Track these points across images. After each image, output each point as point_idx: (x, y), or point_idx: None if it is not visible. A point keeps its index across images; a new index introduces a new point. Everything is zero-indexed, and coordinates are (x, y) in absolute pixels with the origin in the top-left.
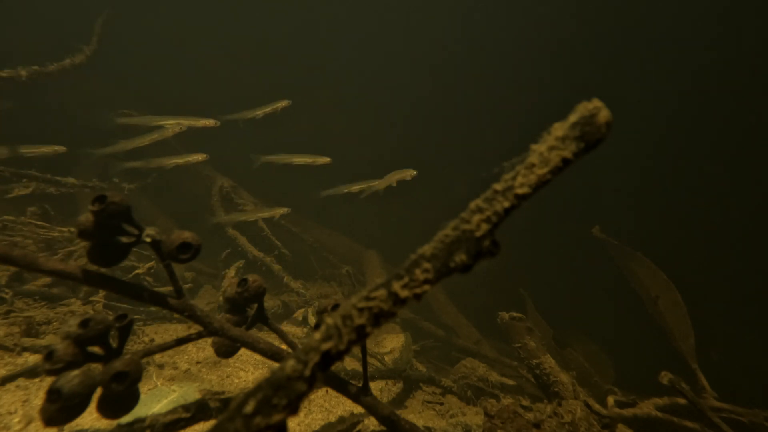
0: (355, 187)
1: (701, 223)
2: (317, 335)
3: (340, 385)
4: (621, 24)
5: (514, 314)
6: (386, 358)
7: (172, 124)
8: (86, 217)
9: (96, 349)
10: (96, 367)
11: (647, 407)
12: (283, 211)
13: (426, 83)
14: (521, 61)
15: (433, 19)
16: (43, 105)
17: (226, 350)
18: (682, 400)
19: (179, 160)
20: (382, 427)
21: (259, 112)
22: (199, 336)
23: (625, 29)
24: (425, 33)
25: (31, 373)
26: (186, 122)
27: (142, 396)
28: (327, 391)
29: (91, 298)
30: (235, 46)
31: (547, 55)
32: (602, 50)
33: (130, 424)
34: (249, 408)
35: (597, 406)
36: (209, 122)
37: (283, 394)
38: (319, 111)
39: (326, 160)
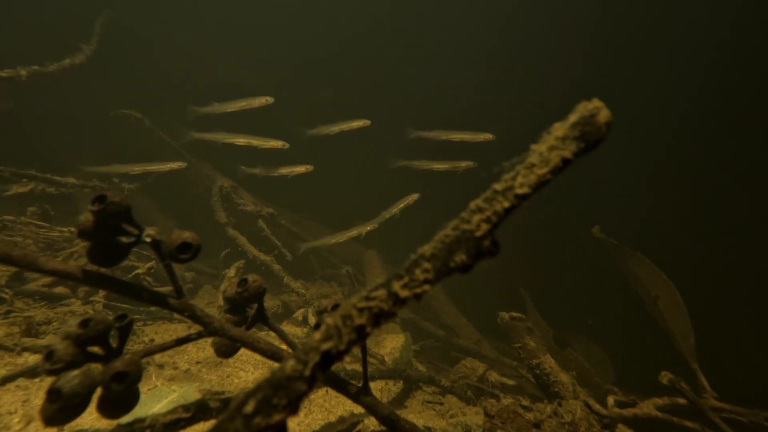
0: (394, 209)
1: (702, 223)
2: (317, 335)
3: (340, 385)
4: (628, 21)
5: (514, 314)
6: (386, 358)
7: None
8: (86, 217)
9: (96, 349)
10: (96, 367)
11: (647, 407)
12: (371, 227)
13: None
14: (525, 66)
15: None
16: (43, 105)
17: (226, 350)
18: (682, 400)
19: (285, 171)
20: (382, 427)
21: (335, 129)
22: (199, 336)
23: (633, 26)
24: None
25: (31, 373)
26: (256, 142)
27: (142, 396)
28: (327, 391)
29: (91, 298)
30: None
31: (547, 53)
32: (606, 49)
33: (130, 424)
34: (249, 408)
35: (597, 406)
36: (278, 144)
37: (283, 394)
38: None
39: (469, 164)
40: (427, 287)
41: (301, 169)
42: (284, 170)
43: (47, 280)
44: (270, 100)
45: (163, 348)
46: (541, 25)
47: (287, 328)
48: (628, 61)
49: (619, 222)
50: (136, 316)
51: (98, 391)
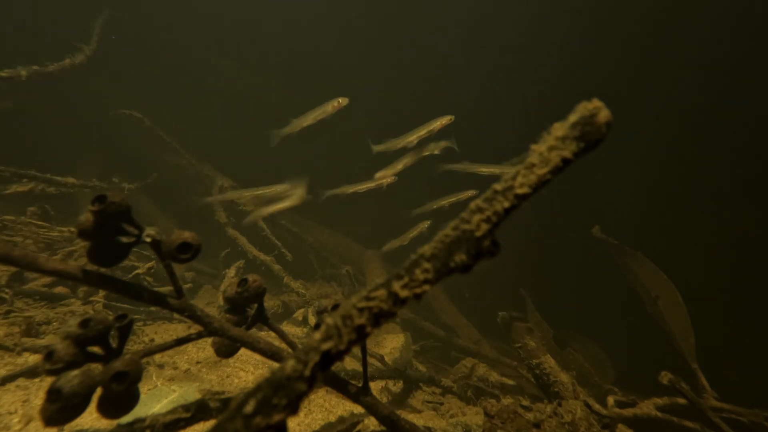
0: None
1: (703, 223)
2: (317, 335)
3: (340, 385)
4: (630, 20)
5: (514, 314)
6: (386, 358)
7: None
8: (86, 217)
9: (96, 349)
10: (96, 367)
11: (647, 407)
12: (426, 224)
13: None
14: (526, 67)
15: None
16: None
17: (226, 350)
18: (682, 400)
19: (371, 185)
20: (382, 427)
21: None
22: (199, 336)
23: (634, 26)
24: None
25: (31, 373)
26: (370, 184)
27: (142, 396)
28: (327, 391)
29: (91, 298)
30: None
31: (550, 54)
32: (608, 48)
33: (130, 424)
34: (249, 408)
35: (597, 406)
36: (388, 179)
37: (283, 394)
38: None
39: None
40: (427, 287)
41: (387, 179)
42: (371, 184)
43: (47, 280)
44: (344, 101)
45: (163, 348)
46: (543, 25)
47: (287, 328)
48: (628, 60)
49: (619, 222)
50: (136, 316)
51: (98, 391)
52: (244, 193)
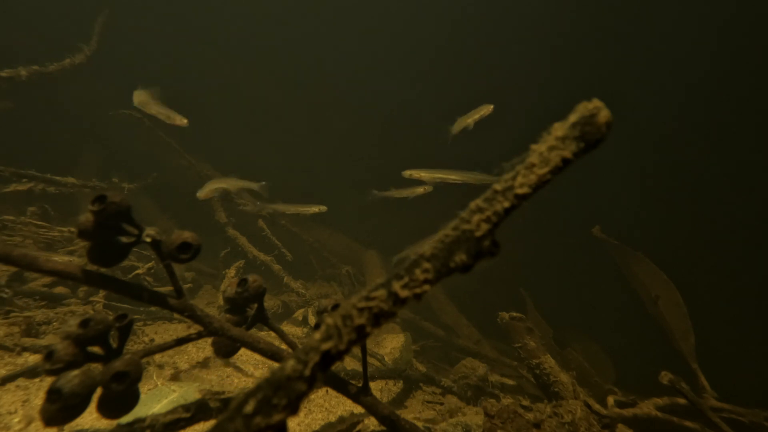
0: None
1: (703, 223)
2: (317, 335)
3: (340, 385)
4: (624, 18)
5: (514, 314)
6: (386, 358)
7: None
8: (86, 217)
9: (96, 349)
10: (96, 367)
11: (647, 407)
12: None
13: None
14: (522, 59)
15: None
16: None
17: (226, 350)
18: (682, 400)
19: (407, 193)
20: (382, 427)
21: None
22: (199, 336)
23: (629, 23)
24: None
25: (31, 373)
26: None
27: (142, 396)
28: (327, 391)
29: (91, 298)
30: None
31: (548, 52)
32: (605, 46)
33: (130, 424)
34: (249, 408)
35: (597, 406)
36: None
37: (283, 394)
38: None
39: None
40: (427, 287)
41: (420, 190)
42: (406, 192)
43: (47, 280)
44: (487, 109)
45: (163, 348)
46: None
47: (287, 328)
48: (625, 58)
49: (618, 221)
50: (136, 316)
51: (98, 391)
52: (289, 208)
